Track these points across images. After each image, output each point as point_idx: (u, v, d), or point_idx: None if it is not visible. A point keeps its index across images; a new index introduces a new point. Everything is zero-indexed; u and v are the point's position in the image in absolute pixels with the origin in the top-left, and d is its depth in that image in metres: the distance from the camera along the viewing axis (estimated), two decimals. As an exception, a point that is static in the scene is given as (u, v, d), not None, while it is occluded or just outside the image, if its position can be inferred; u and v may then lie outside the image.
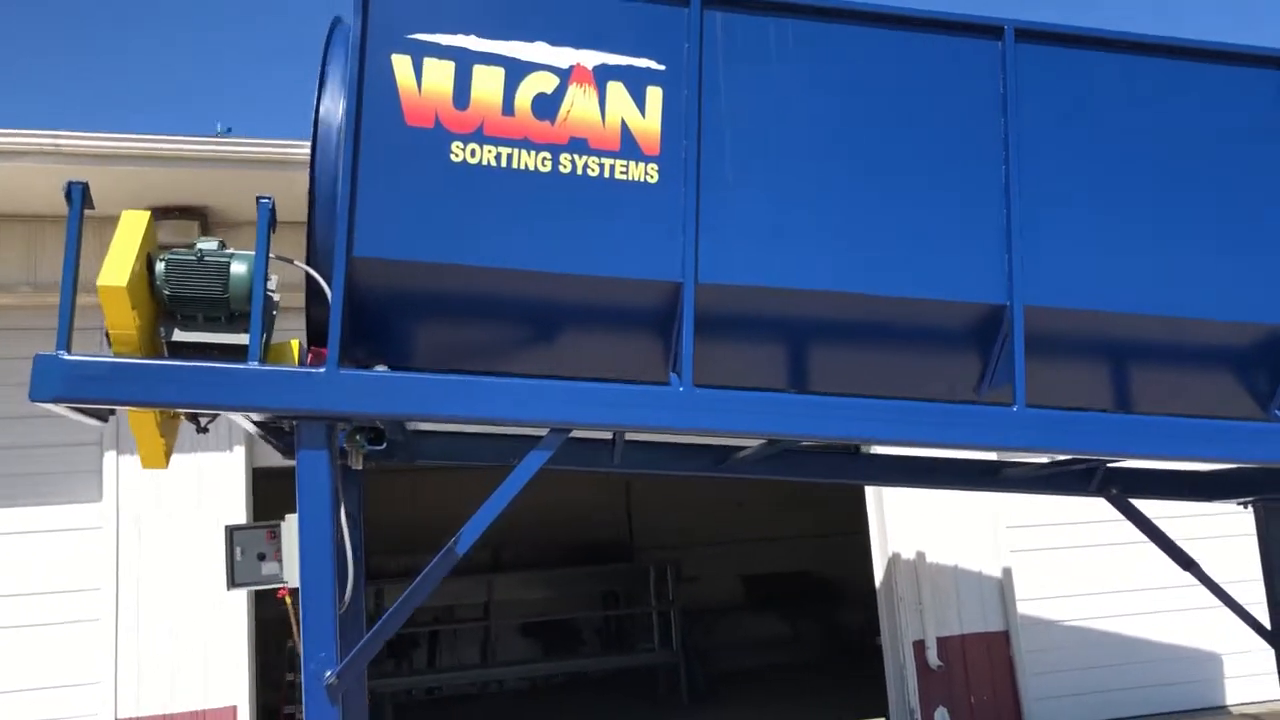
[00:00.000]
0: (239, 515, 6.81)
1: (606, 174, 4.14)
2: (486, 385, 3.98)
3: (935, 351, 4.52)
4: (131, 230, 3.72)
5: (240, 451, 6.85)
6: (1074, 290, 4.48)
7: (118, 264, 3.60)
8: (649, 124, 4.20)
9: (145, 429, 4.00)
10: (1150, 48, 4.71)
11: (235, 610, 6.79)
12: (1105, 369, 4.83)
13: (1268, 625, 6.60)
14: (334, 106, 4.12)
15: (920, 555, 8.50)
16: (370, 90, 3.96)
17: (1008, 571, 8.72)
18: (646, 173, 4.18)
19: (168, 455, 4.17)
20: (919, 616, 8.42)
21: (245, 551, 4.08)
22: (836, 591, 16.10)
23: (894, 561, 8.49)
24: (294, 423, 3.90)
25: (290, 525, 3.86)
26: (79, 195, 3.73)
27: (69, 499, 6.87)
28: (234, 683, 6.69)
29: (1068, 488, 6.42)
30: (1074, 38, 4.59)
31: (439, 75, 4.06)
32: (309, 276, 4.05)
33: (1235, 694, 9.33)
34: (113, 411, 4.05)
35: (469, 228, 4.02)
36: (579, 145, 4.13)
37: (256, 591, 7.14)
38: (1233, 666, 9.35)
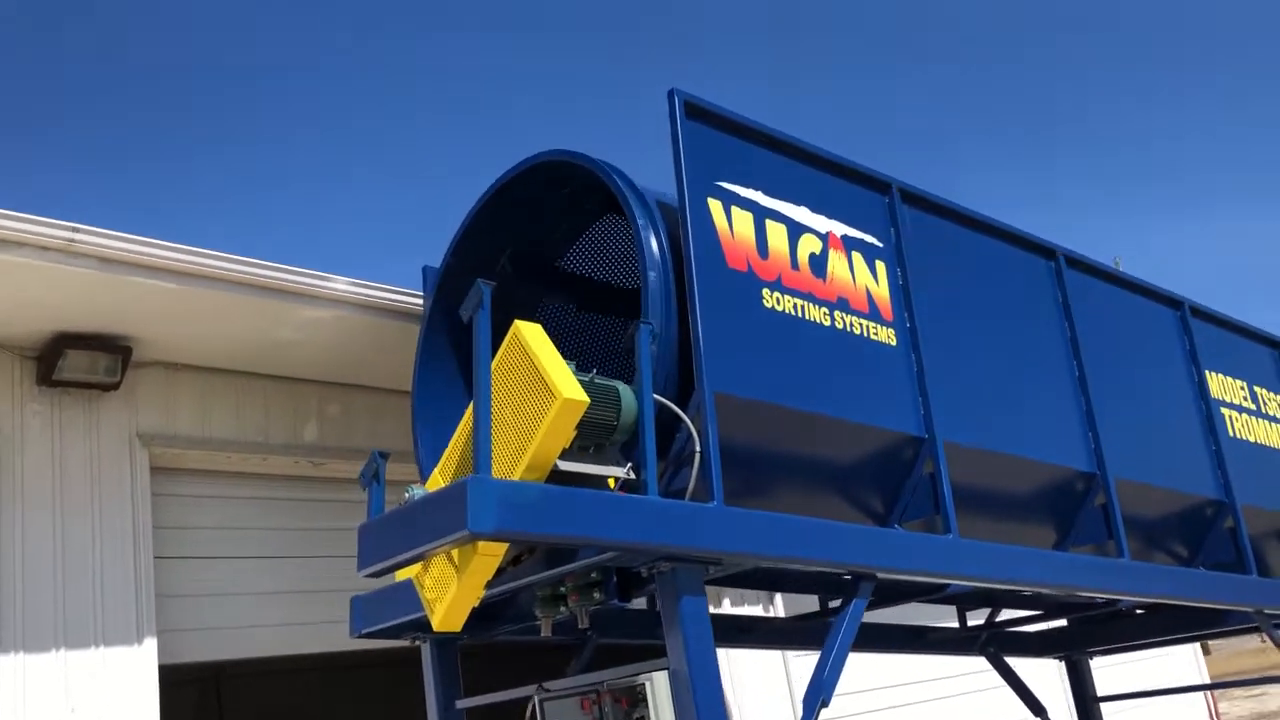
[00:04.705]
0: (149, 724, 5.36)
1: (864, 333, 4.46)
2: (817, 528, 3.99)
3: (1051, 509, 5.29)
4: (545, 342, 3.30)
5: (151, 645, 5.45)
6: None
7: (563, 377, 3.17)
8: (883, 291, 4.63)
9: (481, 579, 3.37)
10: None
11: None
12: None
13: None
14: (654, 245, 4.04)
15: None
16: (697, 233, 3.98)
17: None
18: (888, 336, 4.56)
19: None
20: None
21: (559, 724, 3.50)
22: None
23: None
24: (657, 568, 3.57)
25: (659, 686, 3.42)
26: (488, 297, 3.25)
27: None
28: None
29: (962, 649, 7.37)
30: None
31: (744, 224, 4.19)
32: None
33: None
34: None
35: (783, 371, 4.10)
36: (843, 304, 4.43)
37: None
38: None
